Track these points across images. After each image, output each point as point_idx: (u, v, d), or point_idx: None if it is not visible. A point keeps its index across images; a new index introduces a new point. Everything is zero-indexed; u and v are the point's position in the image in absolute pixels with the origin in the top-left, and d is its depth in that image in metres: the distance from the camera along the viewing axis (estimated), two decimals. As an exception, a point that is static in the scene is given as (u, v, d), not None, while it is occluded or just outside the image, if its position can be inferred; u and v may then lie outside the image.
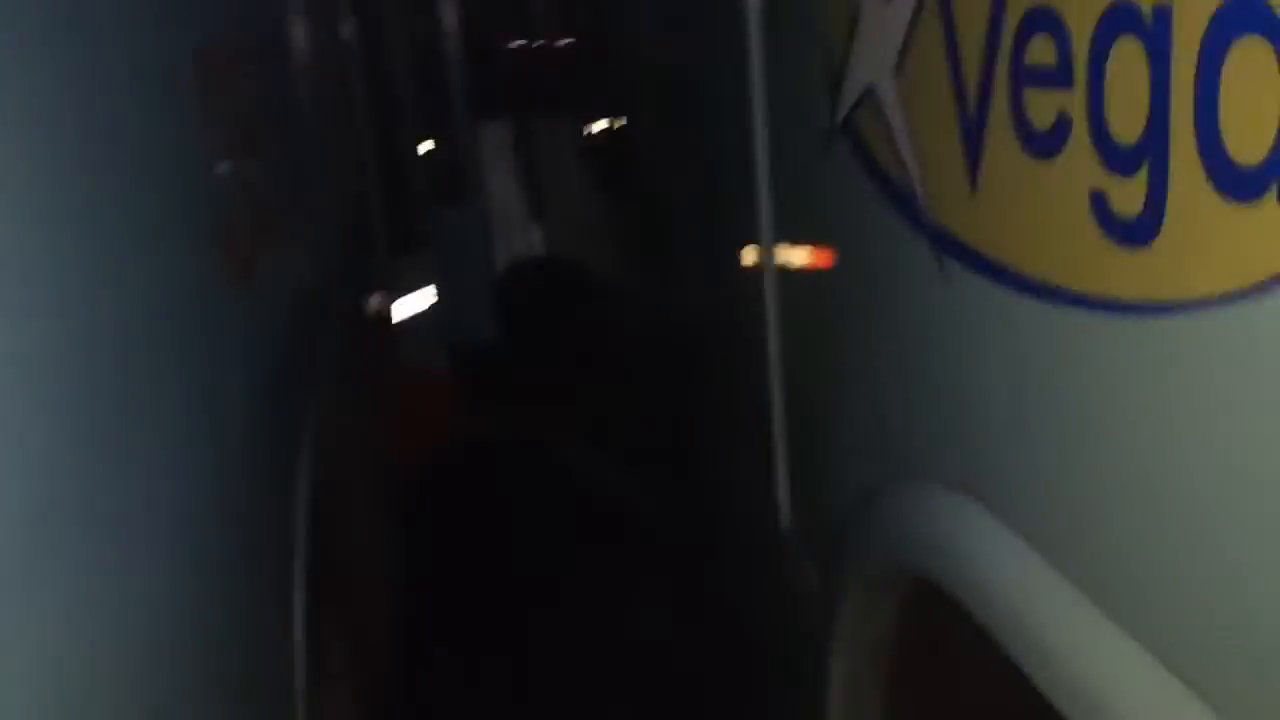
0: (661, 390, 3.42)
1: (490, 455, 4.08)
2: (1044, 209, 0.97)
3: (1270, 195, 0.71)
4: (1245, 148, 0.73)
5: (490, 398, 4.42)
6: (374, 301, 3.40)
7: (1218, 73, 0.74)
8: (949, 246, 1.14)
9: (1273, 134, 0.70)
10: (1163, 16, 0.78)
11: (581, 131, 4.73)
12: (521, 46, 5.18)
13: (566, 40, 5.05)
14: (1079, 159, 0.90)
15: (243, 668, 1.40)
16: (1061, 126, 0.92)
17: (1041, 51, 0.94)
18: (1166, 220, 0.81)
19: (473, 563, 3.43)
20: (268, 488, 1.64)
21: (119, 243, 1.13)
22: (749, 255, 1.92)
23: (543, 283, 5.09)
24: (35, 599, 0.87)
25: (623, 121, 3.99)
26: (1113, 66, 0.85)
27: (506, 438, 4.20)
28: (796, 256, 1.73)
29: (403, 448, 3.45)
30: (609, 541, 3.53)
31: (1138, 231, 0.84)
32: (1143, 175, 0.82)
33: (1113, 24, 0.84)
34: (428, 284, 4.22)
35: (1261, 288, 0.72)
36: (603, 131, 4.53)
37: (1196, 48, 0.76)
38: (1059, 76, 0.91)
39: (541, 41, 5.16)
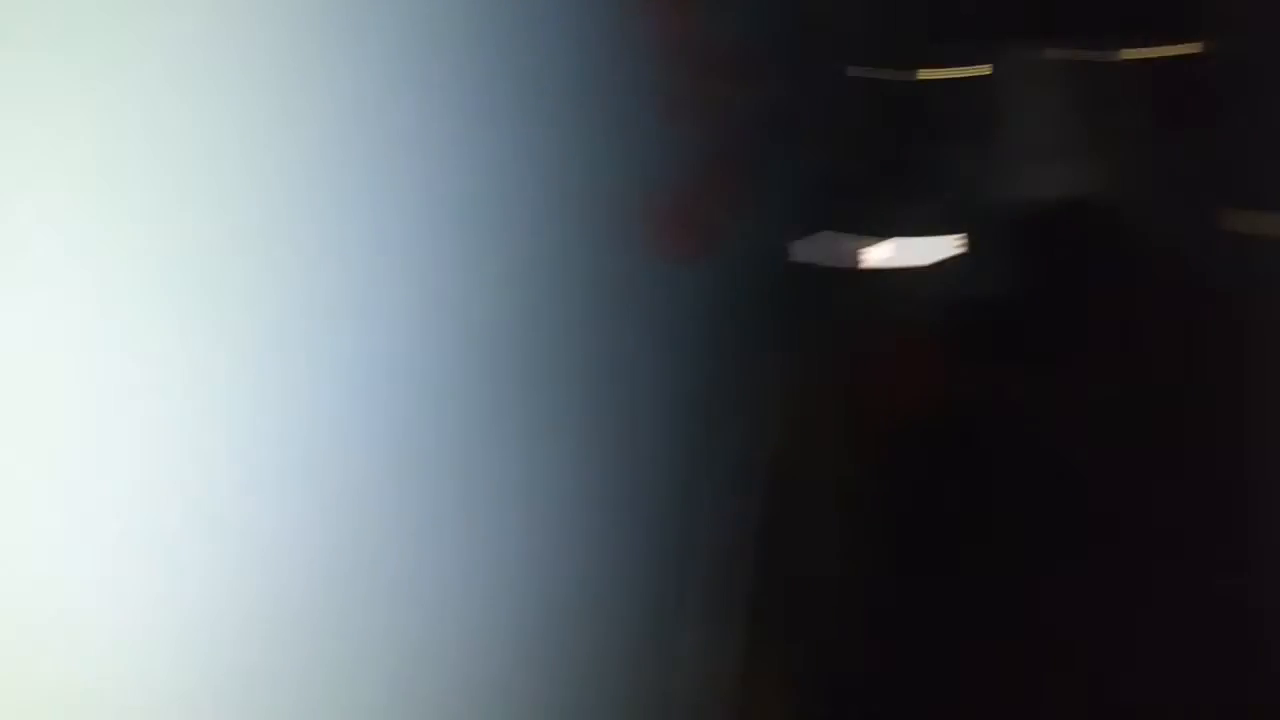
0: (1201, 372, 2.84)
1: (990, 431, 3.67)
2: None
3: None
4: None
5: (995, 362, 3.98)
6: (863, 250, 3.12)
7: None
8: None
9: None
10: None
11: (1132, 56, 4.07)
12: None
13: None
14: None
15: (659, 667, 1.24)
16: None
17: None
18: None
19: (954, 554, 3.07)
20: (711, 471, 1.46)
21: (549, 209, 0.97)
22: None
23: (1069, 233, 4.51)
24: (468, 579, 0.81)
25: (1194, 46, 3.32)
26: None
27: (1010, 411, 3.76)
28: None
29: (886, 416, 3.17)
30: (1123, 541, 3.02)
31: None
32: None
33: None
34: (930, 230, 3.85)
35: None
36: (1164, 58, 3.85)
37: None
38: None
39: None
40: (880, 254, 3.36)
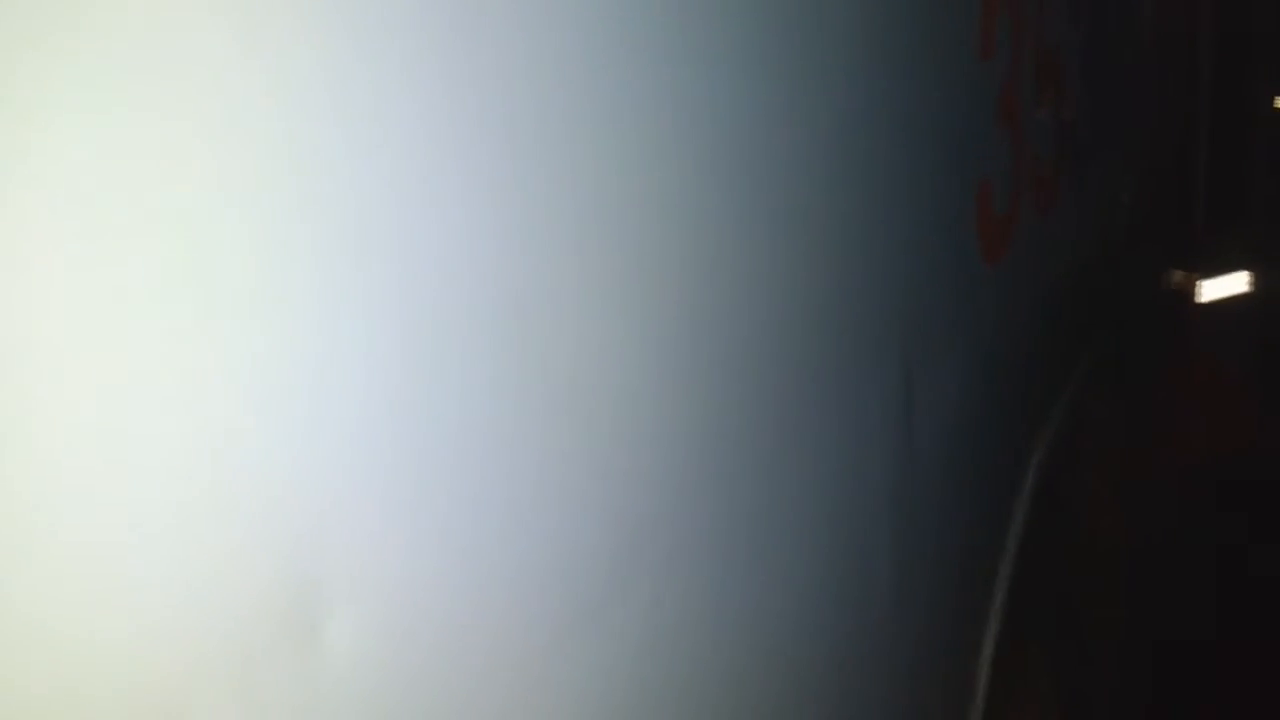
0: None
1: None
2: None
3: None
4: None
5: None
6: (1179, 279, 2.94)
7: None
8: None
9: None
10: None
11: None
12: None
13: None
14: None
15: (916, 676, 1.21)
16: None
17: None
18: None
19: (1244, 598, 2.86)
20: (984, 497, 1.42)
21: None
22: None
23: None
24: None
25: None
26: None
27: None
28: None
29: (1190, 453, 2.98)
30: None
31: None
32: None
33: None
34: (1254, 263, 3.57)
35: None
36: None
37: None
38: None
39: None
40: (1207, 285, 3.15)
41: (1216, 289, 3.39)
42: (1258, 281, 3.51)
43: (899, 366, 1.05)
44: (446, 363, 0.54)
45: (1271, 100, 3.70)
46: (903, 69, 1.04)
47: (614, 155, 0.64)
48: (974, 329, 1.29)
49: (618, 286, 0.65)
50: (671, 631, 0.72)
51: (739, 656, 0.81)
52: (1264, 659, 2.69)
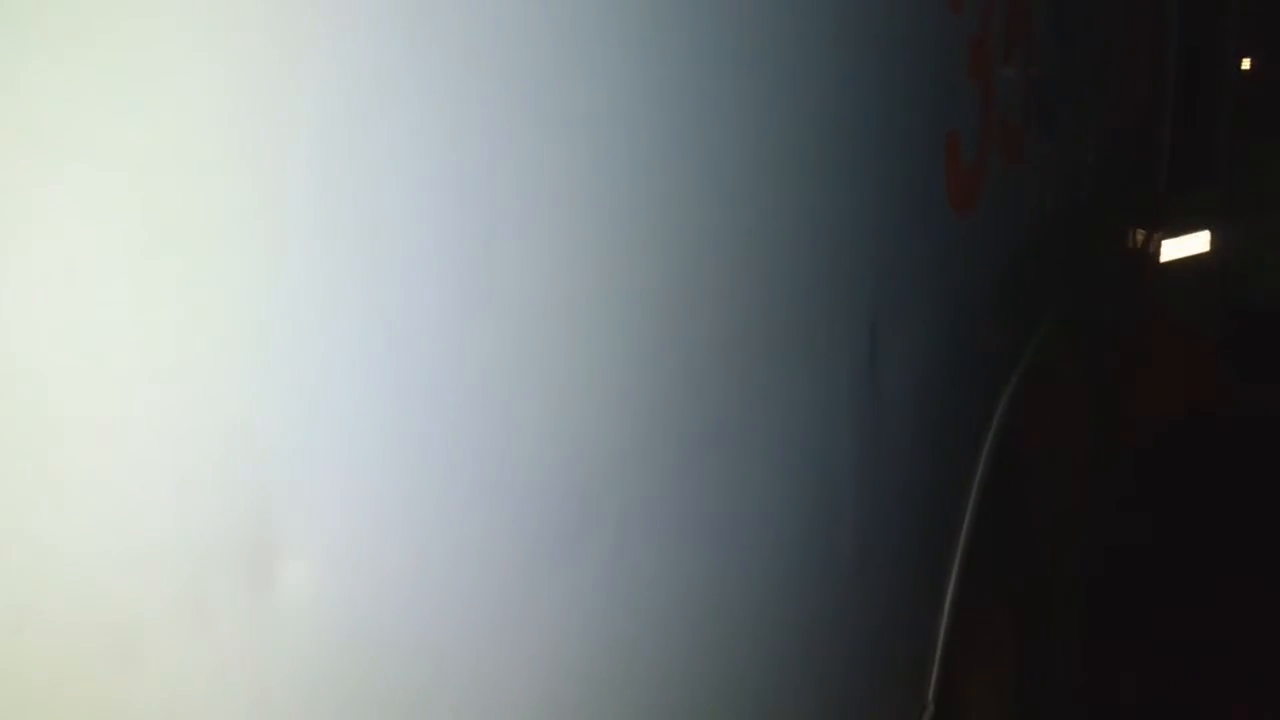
0: None
1: (1250, 441, 3.44)
2: None
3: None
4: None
5: (1265, 376, 3.72)
6: (1142, 238, 2.96)
7: None
8: None
9: None
10: None
11: None
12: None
13: None
14: None
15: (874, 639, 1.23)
16: None
17: None
18: None
19: (1195, 555, 2.92)
20: (948, 451, 1.43)
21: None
22: None
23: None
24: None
25: None
26: None
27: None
28: None
29: (1145, 412, 3.02)
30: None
31: None
32: None
33: None
34: (1214, 225, 3.60)
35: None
36: None
37: None
38: None
39: None
40: (1168, 245, 3.18)
41: (1179, 248, 3.43)
42: (1219, 242, 3.55)
43: (866, 316, 1.05)
44: (410, 305, 0.53)
45: (1238, 62, 3.72)
46: (873, 17, 1.03)
47: (575, 119, 0.63)
48: (943, 280, 1.29)
49: (582, 237, 0.64)
50: (636, 575, 0.72)
51: (702, 606, 0.82)
52: (1205, 617, 2.75)
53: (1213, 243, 3.51)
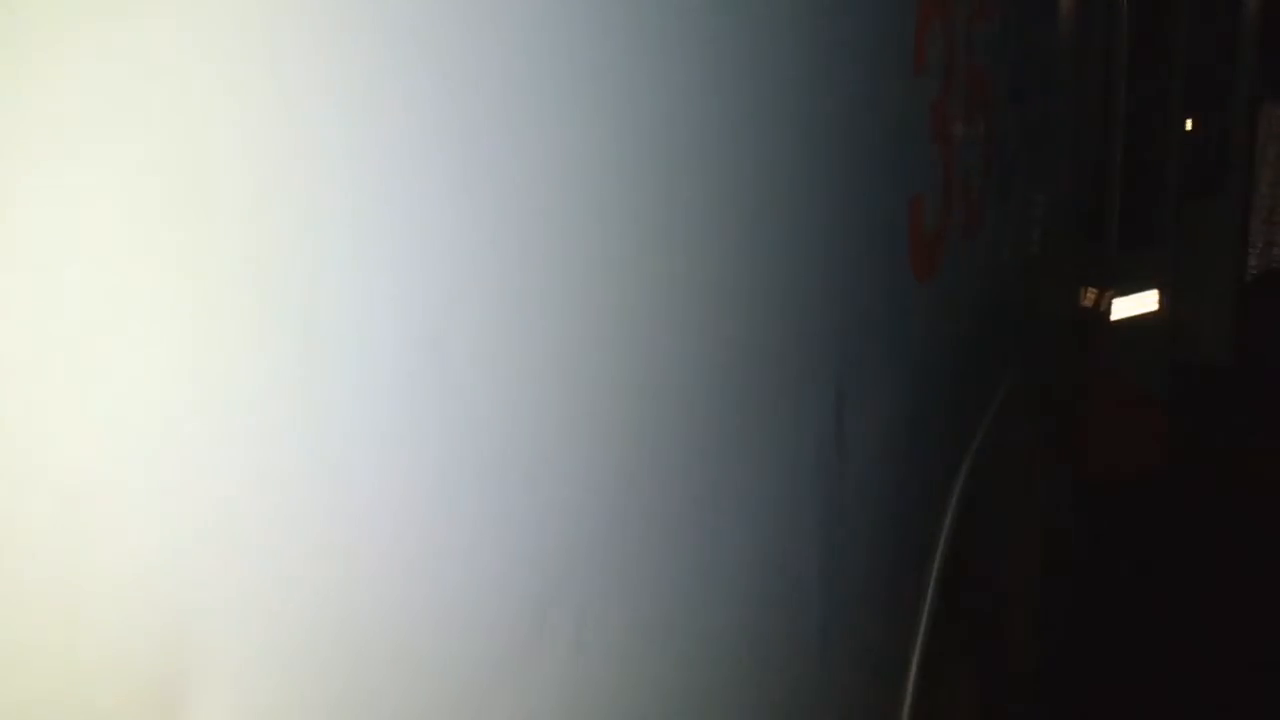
0: None
1: (1200, 490, 3.45)
2: None
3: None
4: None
5: (1215, 429, 3.74)
6: (1090, 298, 2.97)
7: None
8: None
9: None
10: None
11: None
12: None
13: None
14: None
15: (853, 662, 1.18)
16: None
17: None
18: None
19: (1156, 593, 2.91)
20: (919, 500, 1.39)
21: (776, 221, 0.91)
22: None
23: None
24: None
25: None
26: None
27: (1224, 479, 3.53)
28: None
29: (1098, 464, 3.03)
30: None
31: None
32: None
33: None
34: (1162, 284, 3.63)
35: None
36: None
37: None
38: None
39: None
40: (1119, 305, 3.20)
41: (1130, 307, 3.45)
42: (1167, 300, 3.58)
43: (831, 384, 1.01)
44: (356, 427, 0.48)
45: (1184, 122, 3.78)
46: (838, 82, 1.00)
47: (552, 199, 0.58)
48: (907, 346, 1.26)
49: (537, 314, 0.59)
50: (596, 686, 0.66)
51: (665, 714, 0.76)
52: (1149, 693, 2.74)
53: (1161, 301, 3.54)
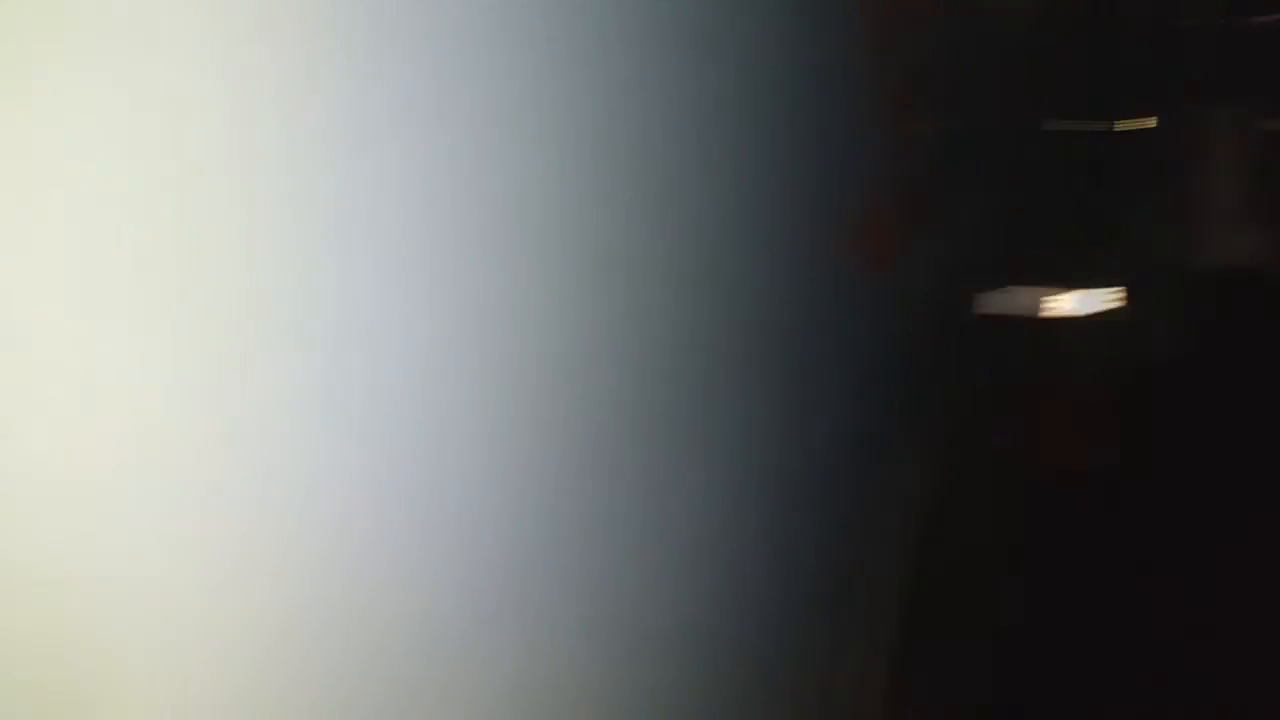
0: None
1: (1142, 489, 3.50)
2: None
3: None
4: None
5: (1157, 427, 3.79)
6: (1035, 298, 3.01)
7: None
8: None
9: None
10: None
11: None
12: None
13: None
14: None
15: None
16: None
17: None
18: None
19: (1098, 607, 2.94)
20: (863, 488, 1.40)
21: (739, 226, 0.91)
22: None
23: (1251, 300, 4.27)
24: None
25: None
26: None
27: (1164, 473, 3.58)
28: None
29: (1042, 460, 3.06)
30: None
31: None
32: None
33: None
34: (1106, 283, 3.66)
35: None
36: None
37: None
38: None
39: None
40: (1055, 304, 3.23)
41: (1070, 308, 3.49)
42: (1113, 299, 3.61)
43: (781, 384, 1.01)
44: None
45: (1132, 121, 3.82)
46: (782, 72, 0.99)
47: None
48: (851, 347, 1.26)
49: (489, 322, 0.58)
50: (548, 674, 0.65)
51: (615, 695, 0.75)
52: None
53: (1106, 300, 3.58)
